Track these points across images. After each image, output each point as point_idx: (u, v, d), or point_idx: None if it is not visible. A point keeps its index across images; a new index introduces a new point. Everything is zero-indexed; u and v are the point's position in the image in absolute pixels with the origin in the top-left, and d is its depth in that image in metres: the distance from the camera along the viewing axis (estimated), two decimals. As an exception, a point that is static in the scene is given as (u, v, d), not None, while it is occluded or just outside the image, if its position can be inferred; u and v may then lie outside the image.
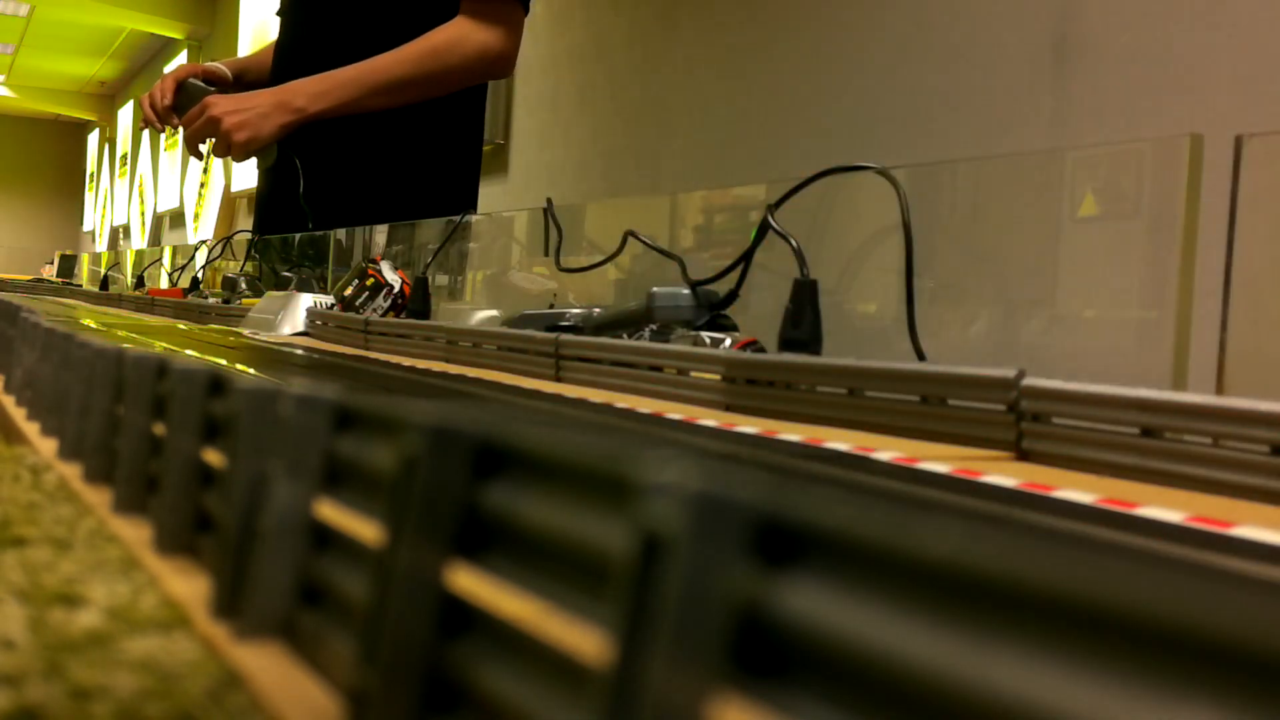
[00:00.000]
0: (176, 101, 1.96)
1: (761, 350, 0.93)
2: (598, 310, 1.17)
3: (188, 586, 0.34)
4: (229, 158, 1.94)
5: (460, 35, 1.85)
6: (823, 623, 0.16)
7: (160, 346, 1.12)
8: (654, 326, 1.04)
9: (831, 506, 0.16)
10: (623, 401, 0.82)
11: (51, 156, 13.23)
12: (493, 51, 1.88)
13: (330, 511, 0.30)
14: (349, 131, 1.91)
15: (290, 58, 2.05)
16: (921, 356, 0.88)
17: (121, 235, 10.85)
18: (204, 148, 1.95)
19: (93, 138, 12.99)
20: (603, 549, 0.20)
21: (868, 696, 0.15)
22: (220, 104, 1.87)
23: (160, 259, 3.42)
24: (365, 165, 1.97)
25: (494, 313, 1.35)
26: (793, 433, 0.66)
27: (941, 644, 0.14)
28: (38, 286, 3.88)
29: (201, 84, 1.97)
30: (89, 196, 13.00)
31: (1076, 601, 0.13)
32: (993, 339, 0.95)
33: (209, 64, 2.13)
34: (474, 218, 1.66)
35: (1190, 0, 1.73)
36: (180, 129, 1.96)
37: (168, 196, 9.19)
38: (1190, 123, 0.76)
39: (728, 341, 0.95)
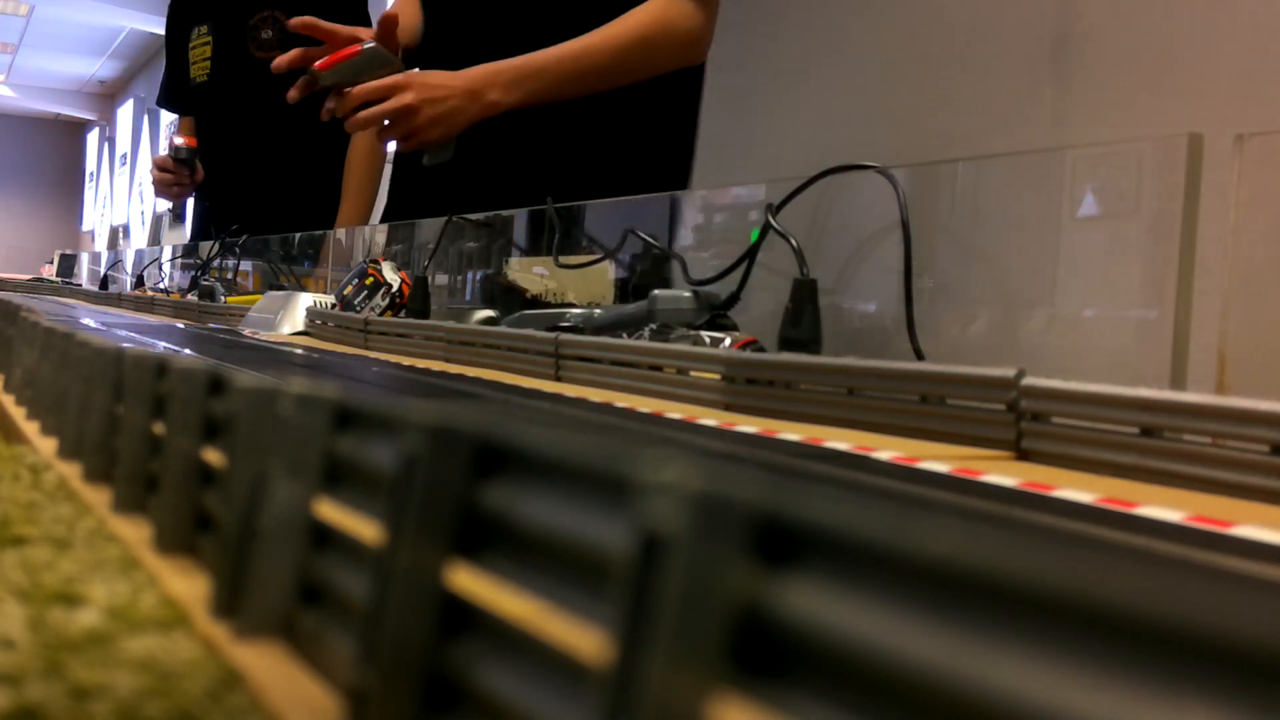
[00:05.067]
0: (346, 64, 1.61)
1: (761, 350, 0.93)
2: (598, 311, 1.17)
3: (188, 586, 0.34)
4: (398, 146, 1.66)
5: (669, 20, 1.61)
6: (823, 623, 0.16)
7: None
8: (654, 326, 1.04)
9: (831, 506, 0.16)
10: (623, 401, 0.82)
11: (51, 156, 13.23)
12: (699, 37, 1.65)
13: (330, 511, 0.30)
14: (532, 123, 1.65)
15: (441, 40, 1.80)
16: (920, 356, 0.88)
17: (121, 235, 10.86)
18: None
19: (92, 137, 12.99)
20: (603, 549, 0.20)
21: (868, 696, 0.15)
22: (416, 88, 1.58)
23: (159, 259, 3.42)
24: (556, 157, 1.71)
25: (491, 312, 1.35)
26: (792, 432, 0.66)
27: (941, 643, 0.14)
28: (38, 286, 3.87)
29: (388, 52, 1.63)
30: (88, 196, 13.00)
31: (1076, 601, 0.13)
32: (992, 338, 0.95)
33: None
34: (473, 217, 1.66)
35: (1190, 0, 1.73)
36: (322, 86, 1.60)
37: (168, 196, 9.16)
38: (1190, 123, 0.76)
39: (727, 341, 0.95)
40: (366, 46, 1.61)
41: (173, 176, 2.63)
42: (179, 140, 2.64)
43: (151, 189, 2.89)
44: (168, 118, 9.72)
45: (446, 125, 1.59)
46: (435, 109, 1.57)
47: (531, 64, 1.60)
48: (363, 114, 1.57)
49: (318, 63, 1.59)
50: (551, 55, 1.59)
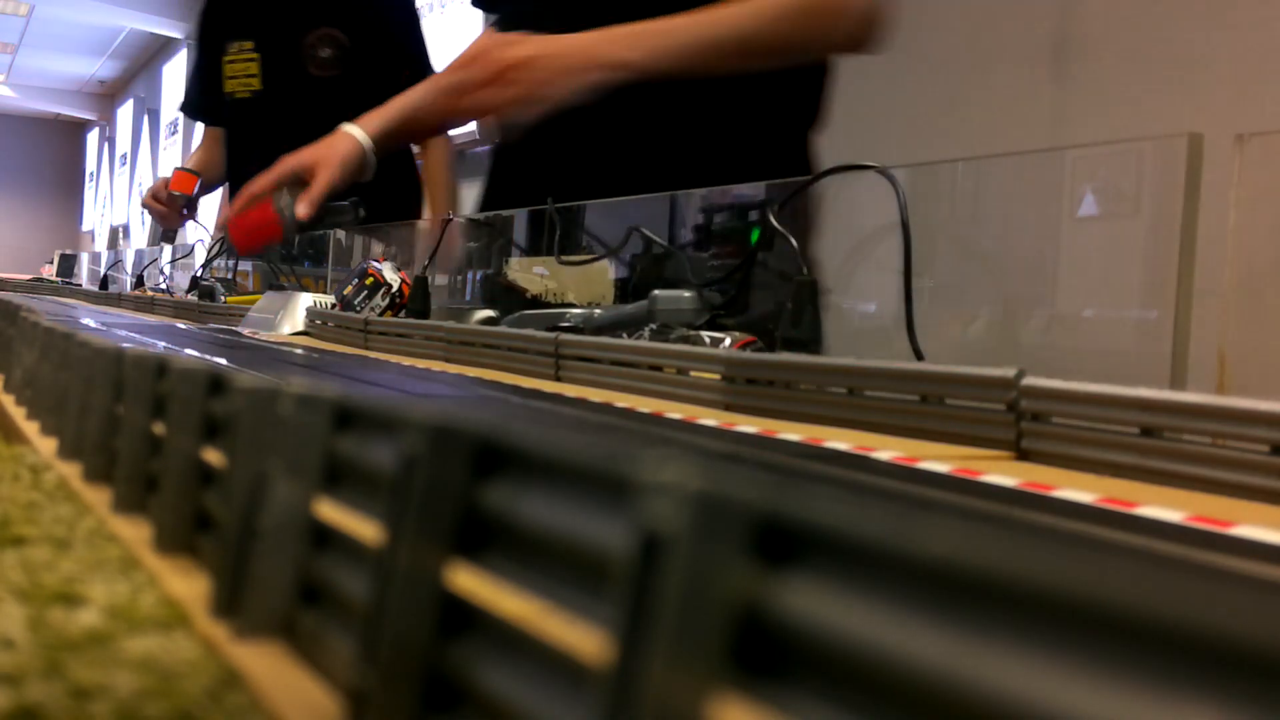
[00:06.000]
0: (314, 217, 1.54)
1: (761, 350, 0.93)
2: (598, 311, 1.17)
3: (188, 586, 0.34)
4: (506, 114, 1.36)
5: None
6: (823, 622, 0.16)
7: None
8: (654, 326, 1.04)
9: (831, 506, 0.16)
10: (623, 401, 0.82)
11: (51, 156, 13.24)
12: (879, 13, 1.32)
13: (330, 511, 0.30)
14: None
15: None
16: (920, 356, 0.88)
17: (121, 235, 10.85)
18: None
19: (92, 137, 13.00)
20: (603, 549, 0.20)
21: (868, 696, 0.15)
22: (494, 43, 1.32)
23: (158, 259, 3.42)
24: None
25: (491, 312, 1.35)
26: (793, 432, 0.66)
27: (941, 643, 0.14)
28: (38, 286, 3.87)
29: (289, 197, 1.55)
30: (88, 196, 13.01)
31: (1076, 601, 0.13)
32: (992, 338, 0.95)
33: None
34: (474, 217, 1.66)
35: (1190, 0, 1.73)
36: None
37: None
38: (1190, 123, 0.76)
39: (727, 341, 0.95)
40: (279, 205, 1.56)
41: (165, 209, 2.64)
42: (176, 192, 2.64)
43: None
44: (167, 119, 9.72)
45: (561, 83, 1.31)
46: (543, 69, 1.30)
47: (659, 25, 1.31)
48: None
49: (236, 239, 1.63)
50: (680, 18, 1.31)
